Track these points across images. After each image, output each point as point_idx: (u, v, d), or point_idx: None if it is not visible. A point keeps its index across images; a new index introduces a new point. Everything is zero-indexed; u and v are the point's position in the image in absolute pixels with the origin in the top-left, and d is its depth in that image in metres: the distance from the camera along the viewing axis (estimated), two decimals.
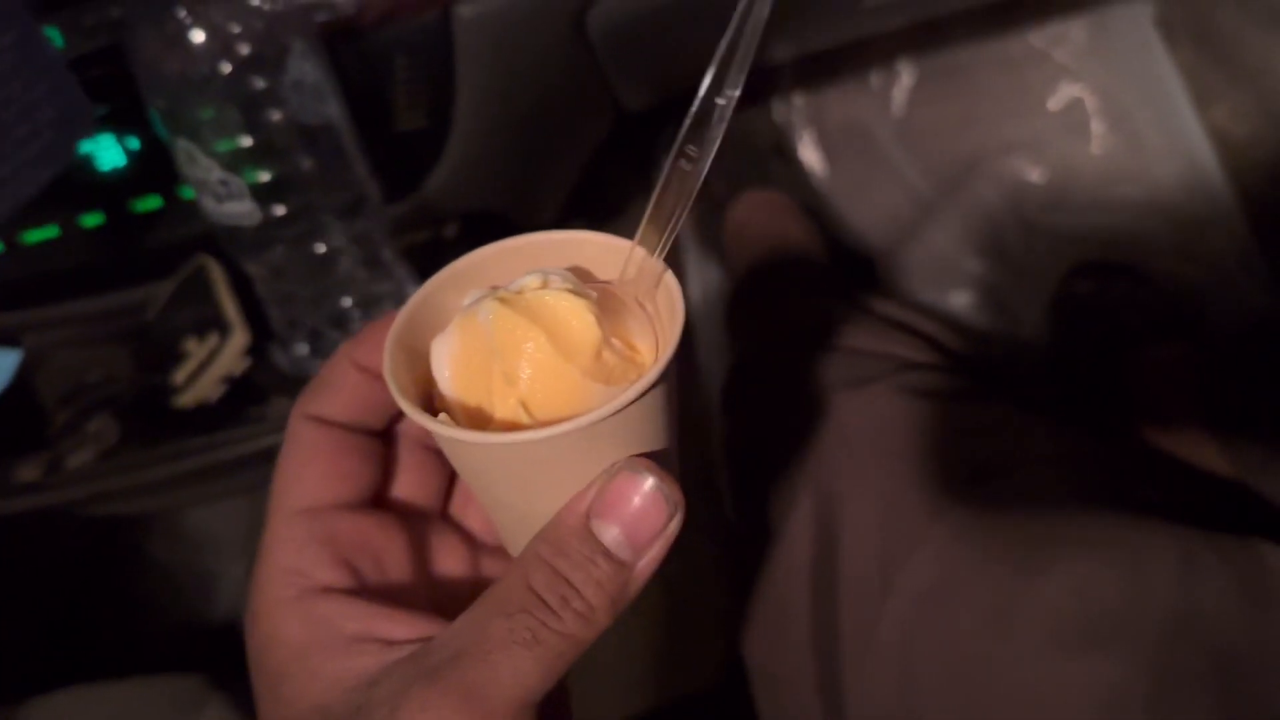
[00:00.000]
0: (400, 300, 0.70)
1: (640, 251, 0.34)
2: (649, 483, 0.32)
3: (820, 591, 0.64)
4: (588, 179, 0.95)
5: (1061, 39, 1.25)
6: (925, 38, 1.25)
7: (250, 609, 0.34)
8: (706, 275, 1.24)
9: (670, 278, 0.35)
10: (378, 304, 0.68)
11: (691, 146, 0.32)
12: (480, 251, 0.36)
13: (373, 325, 0.36)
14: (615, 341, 0.34)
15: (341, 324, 0.68)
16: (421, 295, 0.35)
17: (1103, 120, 1.23)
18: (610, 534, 0.31)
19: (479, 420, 0.33)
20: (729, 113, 0.31)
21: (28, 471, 0.67)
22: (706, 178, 0.33)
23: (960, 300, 1.21)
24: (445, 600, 0.38)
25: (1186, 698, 0.51)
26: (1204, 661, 0.52)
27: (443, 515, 0.41)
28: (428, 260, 0.72)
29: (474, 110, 0.69)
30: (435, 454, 0.40)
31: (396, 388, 0.32)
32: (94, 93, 0.66)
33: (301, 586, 0.34)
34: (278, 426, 0.64)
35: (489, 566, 0.40)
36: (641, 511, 0.32)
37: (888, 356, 0.75)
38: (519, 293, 0.33)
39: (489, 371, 0.32)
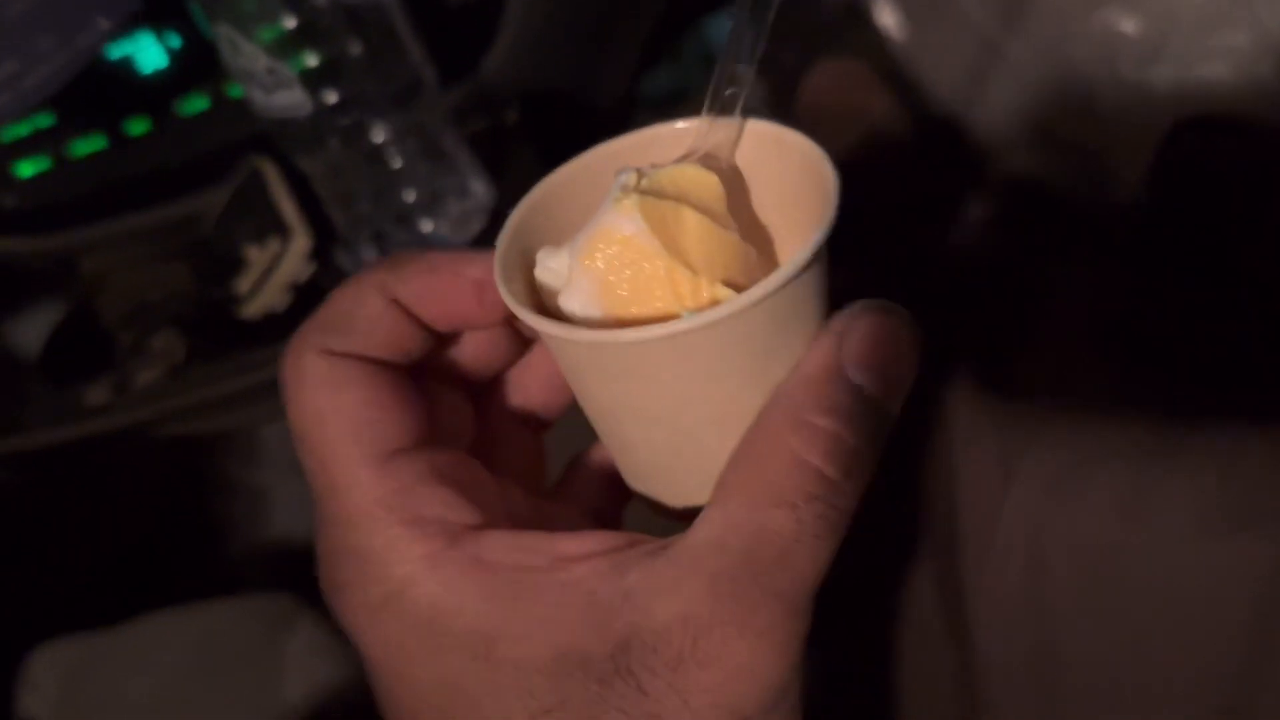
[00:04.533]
0: (464, 193, 0.66)
1: (706, 121, 0.30)
2: (901, 318, 0.27)
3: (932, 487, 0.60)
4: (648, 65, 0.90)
5: None
6: None
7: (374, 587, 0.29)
8: None
9: (755, 123, 0.31)
10: (442, 199, 0.64)
11: None
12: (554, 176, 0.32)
13: (409, 259, 0.32)
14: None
15: (406, 221, 0.64)
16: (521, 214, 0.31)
17: None
18: (869, 384, 0.27)
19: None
20: None
21: (96, 394, 0.65)
22: (775, 50, 0.29)
23: (1052, 167, 1.13)
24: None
25: None
26: None
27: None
28: (490, 150, 0.68)
29: None
30: (464, 391, 0.35)
31: (510, 294, 0.28)
32: None
33: (443, 530, 0.29)
34: None
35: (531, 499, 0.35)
36: (895, 353, 0.27)
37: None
38: (634, 188, 0.28)
39: (649, 282, 0.27)
